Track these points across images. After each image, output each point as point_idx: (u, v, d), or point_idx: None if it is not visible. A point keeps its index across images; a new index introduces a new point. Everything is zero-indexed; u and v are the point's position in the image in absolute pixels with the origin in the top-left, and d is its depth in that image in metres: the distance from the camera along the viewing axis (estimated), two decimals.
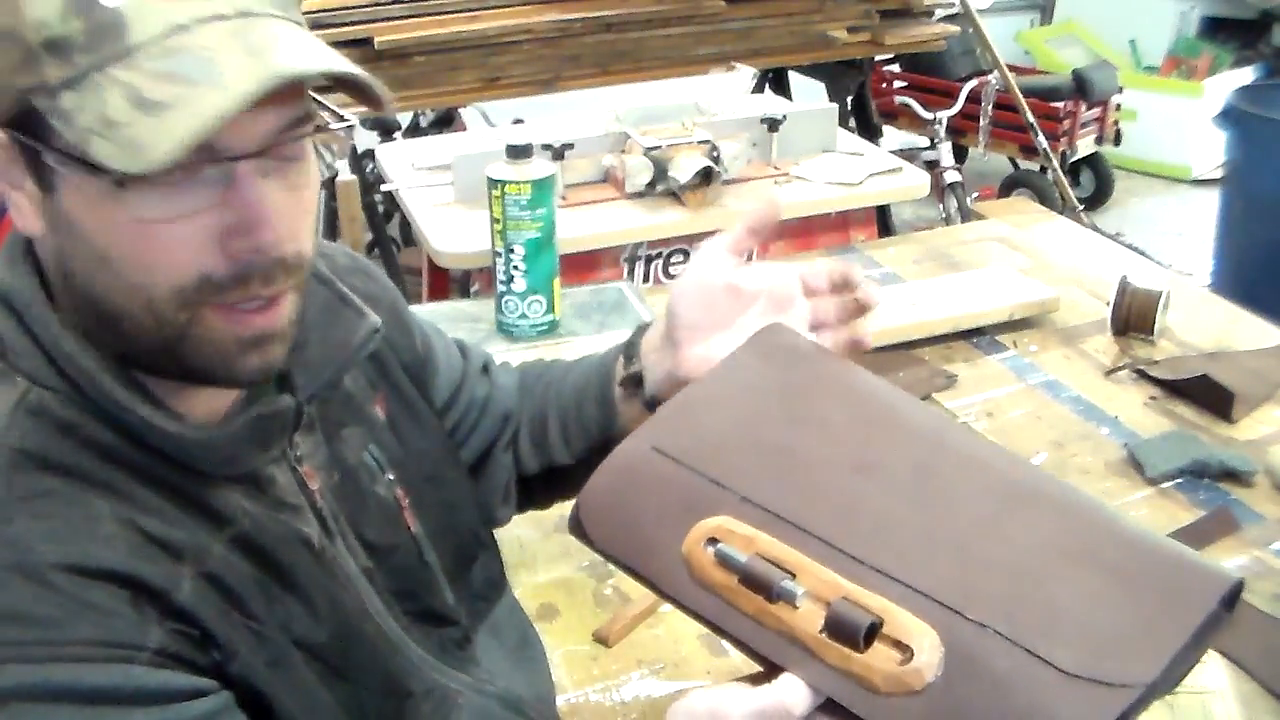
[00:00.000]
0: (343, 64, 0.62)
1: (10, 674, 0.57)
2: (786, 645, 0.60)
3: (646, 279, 1.96)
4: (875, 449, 0.70)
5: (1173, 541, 0.66)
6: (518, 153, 1.49)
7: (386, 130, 3.65)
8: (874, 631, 0.58)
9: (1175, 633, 0.58)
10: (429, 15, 2.73)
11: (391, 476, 0.82)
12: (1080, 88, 4.26)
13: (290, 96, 0.62)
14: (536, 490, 0.99)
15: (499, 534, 0.97)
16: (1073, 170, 4.53)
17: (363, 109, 0.69)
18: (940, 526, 0.64)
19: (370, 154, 2.68)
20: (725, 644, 0.79)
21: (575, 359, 1.01)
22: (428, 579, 0.82)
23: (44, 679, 0.57)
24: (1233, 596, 0.61)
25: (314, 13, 2.48)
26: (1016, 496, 0.66)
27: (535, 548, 1.16)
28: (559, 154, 1.92)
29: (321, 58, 0.61)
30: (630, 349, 0.91)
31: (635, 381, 0.90)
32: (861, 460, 0.69)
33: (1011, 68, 3.97)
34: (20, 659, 0.57)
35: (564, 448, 0.95)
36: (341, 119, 0.68)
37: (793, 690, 0.58)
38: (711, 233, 0.90)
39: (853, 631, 0.58)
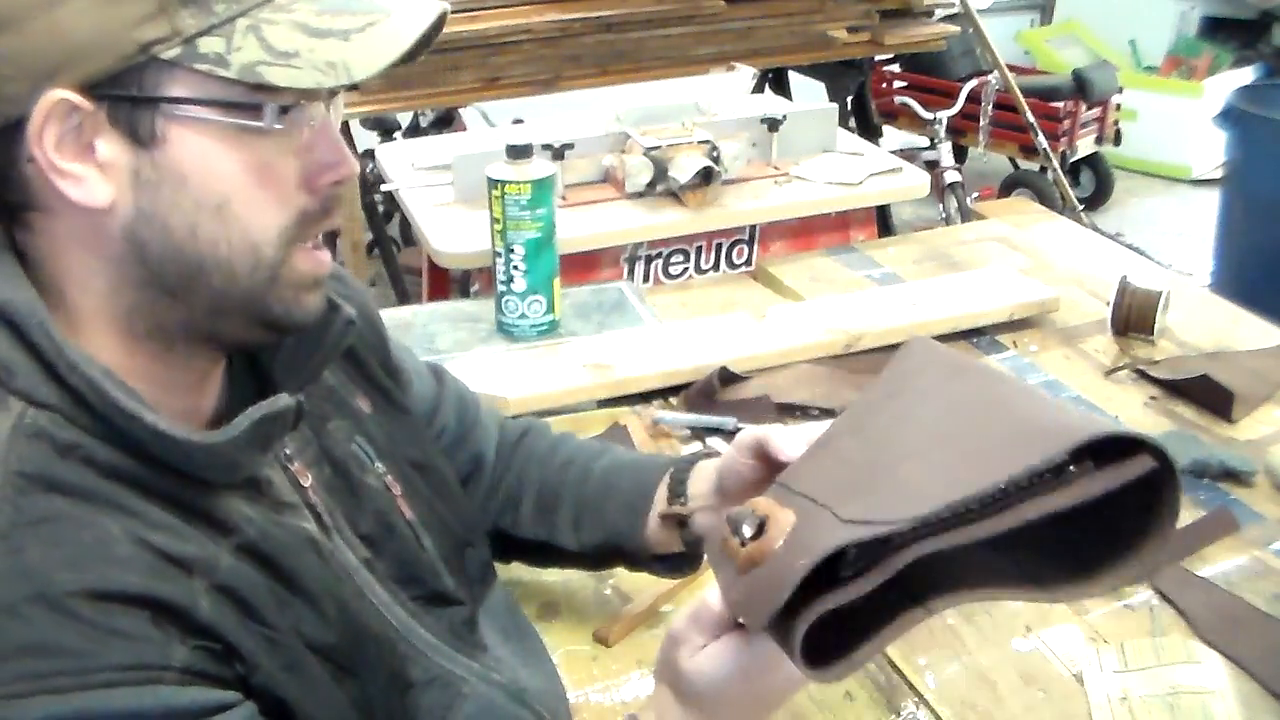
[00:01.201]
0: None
1: (39, 706, 0.56)
2: (724, 562, 0.71)
3: (646, 279, 1.96)
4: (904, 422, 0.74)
5: (1072, 419, 0.66)
6: (518, 153, 1.49)
7: (386, 130, 3.65)
8: (760, 530, 0.68)
9: (969, 485, 0.62)
10: None
11: (382, 467, 0.83)
12: (1080, 88, 4.26)
13: None
14: (528, 550, 1.03)
15: None
16: (1073, 170, 4.53)
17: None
18: (876, 456, 0.71)
19: (370, 154, 2.68)
20: None
21: (600, 445, 1.05)
22: (428, 564, 0.83)
23: (74, 708, 0.57)
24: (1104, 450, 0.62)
25: None
26: (964, 415, 0.72)
27: None
28: (559, 154, 1.92)
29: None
30: (678, 486, 0.94)
31: (679, 521, 0.94)
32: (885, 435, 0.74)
33: (1011, 68, 3.97)
34: (48, 690, 0.56)
35: (572, 534, 0.99)
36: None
37: (710, 593, 0.72)
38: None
39: (736, 527, 0.69)
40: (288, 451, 0.75)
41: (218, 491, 0.67)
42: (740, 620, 0.71)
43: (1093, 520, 0.65)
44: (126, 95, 0.61)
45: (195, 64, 0.61)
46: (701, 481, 0.94)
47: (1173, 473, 0.65)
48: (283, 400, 0.70)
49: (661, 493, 0.96)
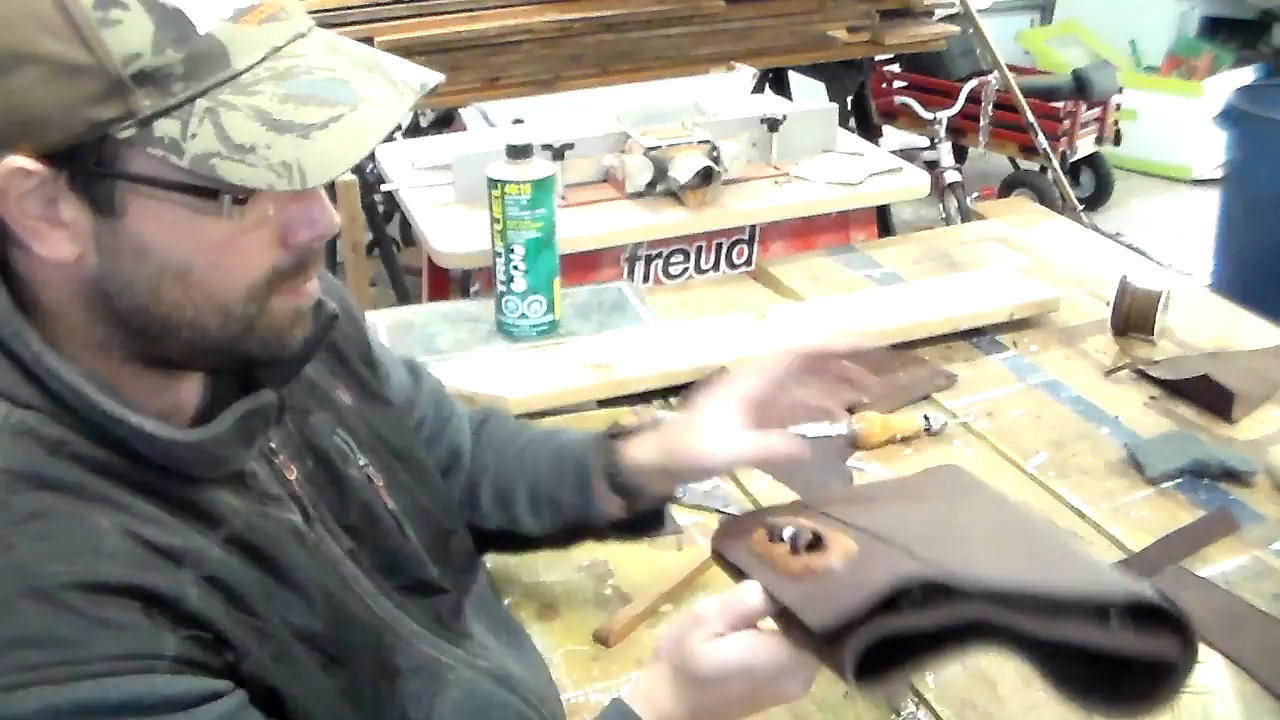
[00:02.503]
0: (430, 75, 0.67)
1: (35, 697, 0.57)
2: (759, 564, 0.77)
3: (646, 279, 1.96)
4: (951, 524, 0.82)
5: (1073, 559, 0.76)
6: (518, 153, 1.49)
7: None
8: (814, 545, 0.75)
9: (1033, 584, 0.69)
10: (429, 15, 2.73)
11: (364, 459, 0.84)
12: (1080, 88, 4.26)
13: None
14: (495, 540, 1.04)
15: None
16: (1073, 170, 4.53)
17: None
18: (939, 531, 0.78)
19: (370, 154, 2.68)
20: None
21: (554, 430, 1.06)
22: (411, 554, 0.84)
23: (69, 698, 0.57)
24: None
25: (315, 12, 2.47)
26: (1002, 530, 0.80)
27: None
28: (559, 154, 1.92)
29: (415, 69, 0.67)
30: (611, 456, 0.96)
31: (624, 491, 0.96)
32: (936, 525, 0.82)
33: (1011, 68, 3.97)
34: (43, 681, 0.57)
35: (532, 519, 1.00)
36: None
37: (749, 588, 0.75)
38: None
39: (795, 542, 0.75)
40: (272, 445, 0.76)
41: (204, 485, 0.68)
42: (776, 622, 0.75)
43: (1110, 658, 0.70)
44: (84, 168, 0.61)
45: (149, 147, 0.60)
46: (643, 447, 0.95)
47: (1194, 654, 0.71)
48: (266, 395, 0.72)
49: (599, 466, 0.96)
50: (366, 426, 0.86)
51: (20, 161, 0.60)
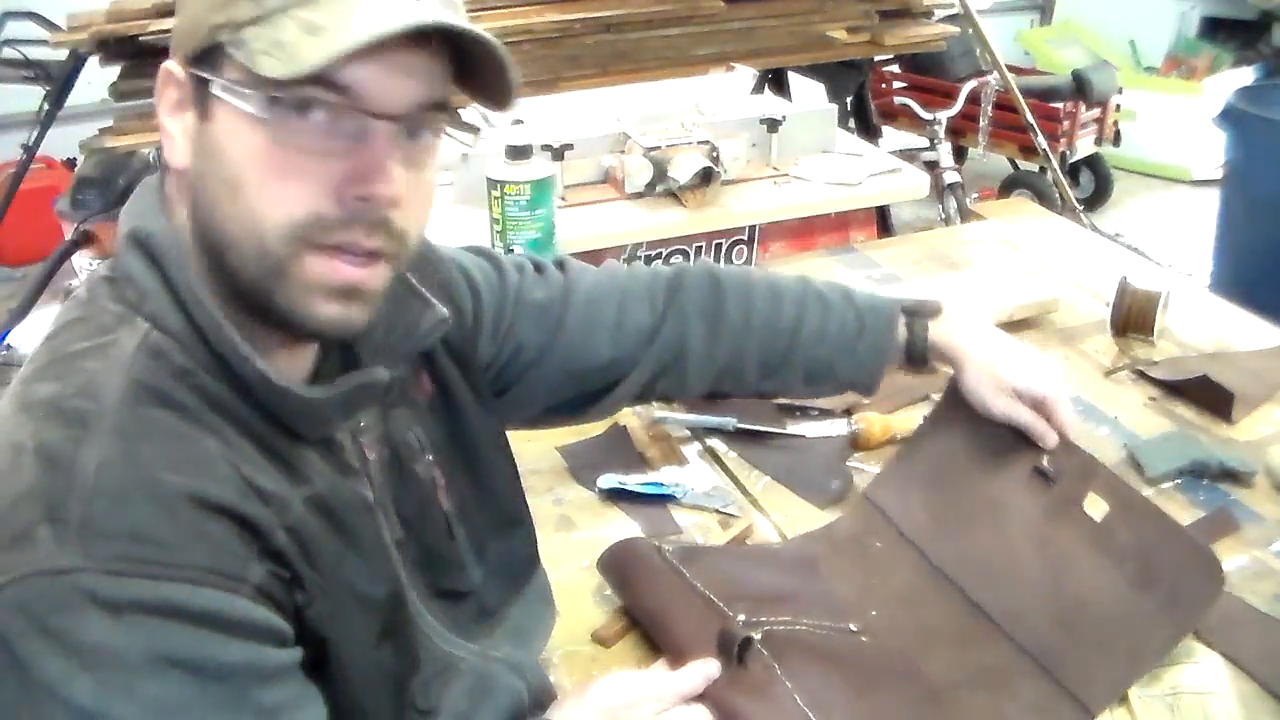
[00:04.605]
0: (483, 34, 0.67)
1: (135, 587, 0.61)
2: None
3: None
4: None
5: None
6: (518, 153, 1.49)
7: None
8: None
9: None
10: None
11: (430, 458, 0.87)
12: (1080, 88, 4.26)
13: (435, 75, 0.69)
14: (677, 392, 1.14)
15: None
16: (1072, 170, 4.53)
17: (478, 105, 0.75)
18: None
19: None
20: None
21: (807, 295, 1.14)
22: (453, 556, 0.88)
23: (161, 595, 0.61)
24: None
25: None
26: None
27: None
28: (559, 154, 1.92)
29: (464, 21, 0.68)
30: (919, 344, 1.13)
31: (915, 361, 1.14)
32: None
33: (1011, 68, 3.96)
34: (141, 574, 0.61)
35: (804, 389, 1.15)
36: (470, 127, 0.75)
37: (694, 674, 0.91)
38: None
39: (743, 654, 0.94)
40: (362, 424, 0.80)
41: (299, 443, 0.73)
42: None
43: None
44: (198, 72, 0.68)
45: (237, 53, 0.66)
46: (944, 333, 1.13)
47: None
48: (380, 373, 0.77)
49: (899, 341, 1.12)
50: (438, 426, 0.90)
51: (168, 65, 0.69)
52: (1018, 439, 1.13)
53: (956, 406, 1.17)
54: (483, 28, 0.68)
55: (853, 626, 1.03)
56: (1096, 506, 1.08)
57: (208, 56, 0.67)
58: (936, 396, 1.45)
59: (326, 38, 0.63)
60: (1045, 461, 1.12)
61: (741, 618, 0.99)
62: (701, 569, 1.05)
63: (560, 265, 1.07)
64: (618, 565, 1.09)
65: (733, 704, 0.90)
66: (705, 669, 0.91)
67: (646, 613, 1.04)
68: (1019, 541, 1.09)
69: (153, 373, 0.67)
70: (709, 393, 1.12)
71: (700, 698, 0.90)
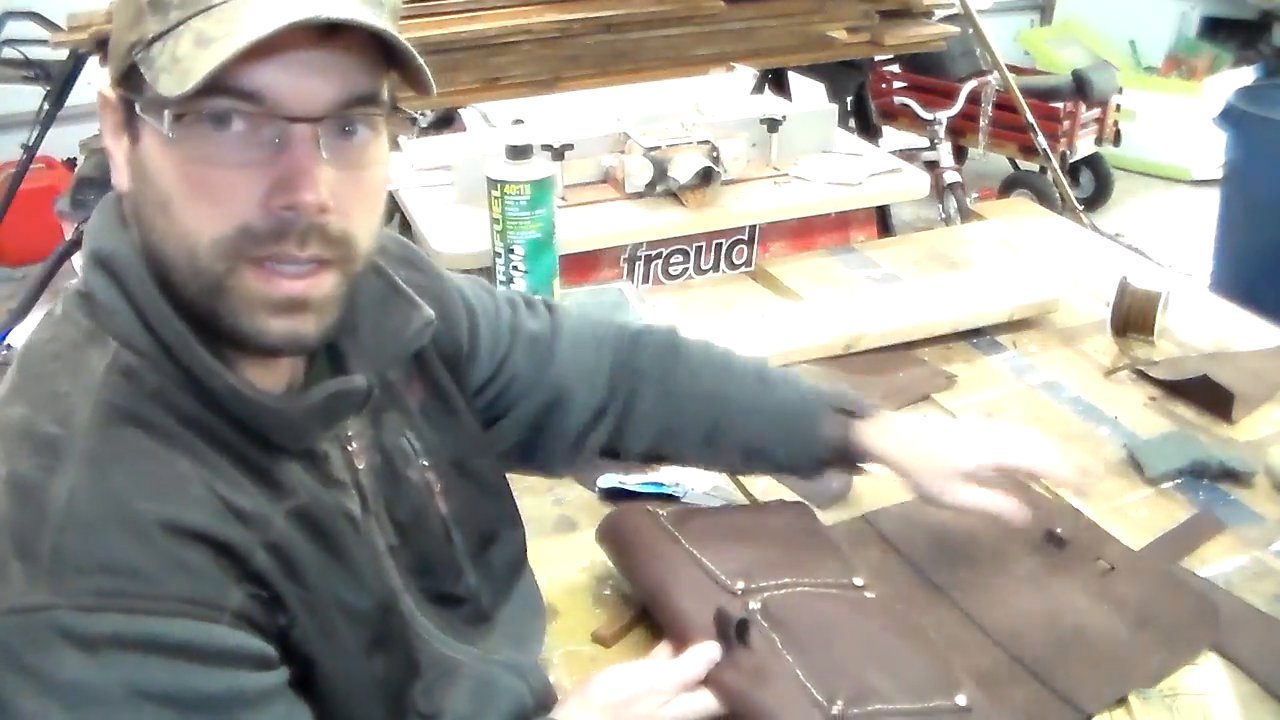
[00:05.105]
0: (379, 24, 0.64)
1: (109, 621, 0.60)
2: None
3: (646, 279, 1.95)
4: None
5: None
6: (518, 153, 1.49)
7: None
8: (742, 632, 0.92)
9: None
10: (429, 15, 2.73)
11: (425, 463, 0.86)
12: (1080, 88, 4.25)
13: (354, 69, 0.66)
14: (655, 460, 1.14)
15: None
16: (1072, 170, 4.53)
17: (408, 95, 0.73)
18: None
19: None
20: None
21: (745, 373, 1.09)
22: (451, 560, 0.86)
23: (137, 629, 0.60)
24: None
25: None
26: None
27: (535, 548, 1.16)
28: (559, 154, 1.92)
29: (361, 14, 0.64)
30: (855, 450, 1.05)
31: (847, 462, 1.08)
32: None
33: (1011, 68, 3.96)
34: (116, 608, 0.60)
35: (743, 466, 1.14)
36: (406, 114, 0.72)
37: (693, 661, 0.90)
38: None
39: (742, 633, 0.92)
40: (349, 433, 0.79)
41: (279, 456, 0.71)
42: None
43: None
44: (124, 94, 0.68)
45: (144, 68, 0.64)
46: (882, 437, 1.05)
47: None
48: (357, 380, 0.75)
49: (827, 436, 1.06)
50: (432, 431, 0.88)
51: (104, 89, 0.69)
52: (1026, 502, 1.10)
53: None
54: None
55: (857, 581, 1.03)
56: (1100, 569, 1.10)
57: (130, 77, 0.66)
58: (936, 396, 1.46)
59: (214, 47, 0.61)
60: (1059, 530, 1.12)
61: (740, 585, 0.98)
62: (698, 532, 1.05)
63: (546, 305, 1.08)
64: (615, 535, 1.09)
65: (734, 687, 0.89)
66: (705, 653, 0.91)
67: (645, 588, 1.03)
68: (1020, 579, 1.09)
69: (124, 393, 0.66)
70: (647, 453, 1.09)
71: (705, 682, 0.89)
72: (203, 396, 0.68)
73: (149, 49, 0.64)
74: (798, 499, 1.19)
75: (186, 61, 0.62)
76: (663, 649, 0.96)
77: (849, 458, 1.06)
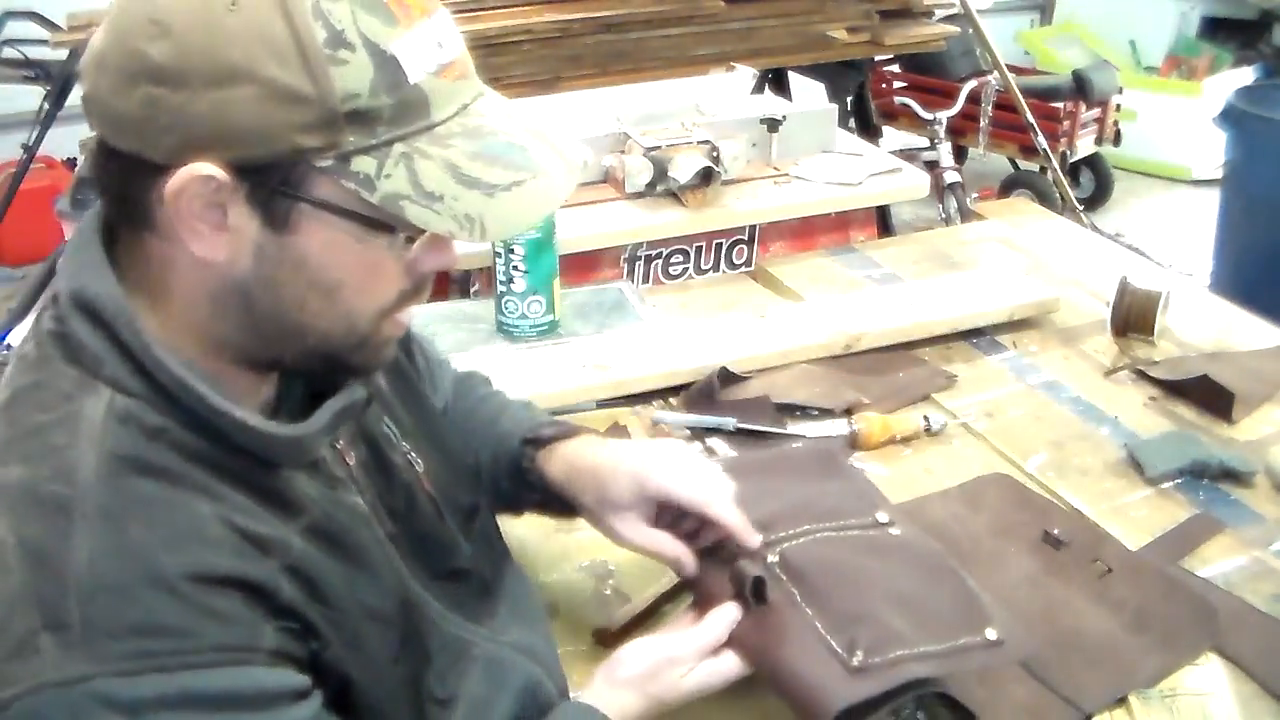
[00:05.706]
0: (582, 151, 0.74)
1: (148, 684, 0.59)
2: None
3: (646, 279, 1.96)
4: None
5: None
6: None
7: None
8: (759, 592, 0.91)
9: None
10: None
11: (406, 445, 0.87)
12: (1080, 88, 4.25)
13: None
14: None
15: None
16: (1073, 170, 4.53)
17: None
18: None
19: None
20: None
21: (490, 407, 1.08)
22: (447, 537, 0.87)
23: (178, 687, 0.60)
24: None
25: None
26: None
27: (535, 548, 1.16)
28: None
29: (571, 142, 0.73)
30: (532, 474, 1.00)
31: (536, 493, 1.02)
32: None
33: (1011, 68, 3.96)
34: (157, 669, 0.60)
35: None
36: None
37: (714, 625, 0.89)
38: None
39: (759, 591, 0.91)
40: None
41: (284, 472, 0.71)
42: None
43: None
44: (267, 184, 0.64)
45: (343, 179, 0.64)
46: (556, 464, 0.99)
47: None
48: (358, 392, 0.77)
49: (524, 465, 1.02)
50: (404, 412, 0.90)
51: (207, 169, 0.63)
52: (1024, 510, 1.10)
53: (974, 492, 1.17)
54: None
55: (881, 517, 1.01)
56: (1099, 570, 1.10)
57: (276, 170, 0.64)
58: (936, 396, 1.46)
59: (506, 202, 0.67)
60: (1056, 531, 1.13)
61: (758, 539, 0.95)
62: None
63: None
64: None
65: (755, 646, 0.88)
66: (725, 616, 0.89)
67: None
68: (1018, 580, 1.09)
69: (125, 440, 0.64)
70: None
71: (728, 644, 0.89)
72: (205, 431, 0.67)
73: (346, 161, 0.64)
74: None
75: (460, 205, 0.65)
76: (686, 615, 0.95)
77: (541, 490, 1.00)
